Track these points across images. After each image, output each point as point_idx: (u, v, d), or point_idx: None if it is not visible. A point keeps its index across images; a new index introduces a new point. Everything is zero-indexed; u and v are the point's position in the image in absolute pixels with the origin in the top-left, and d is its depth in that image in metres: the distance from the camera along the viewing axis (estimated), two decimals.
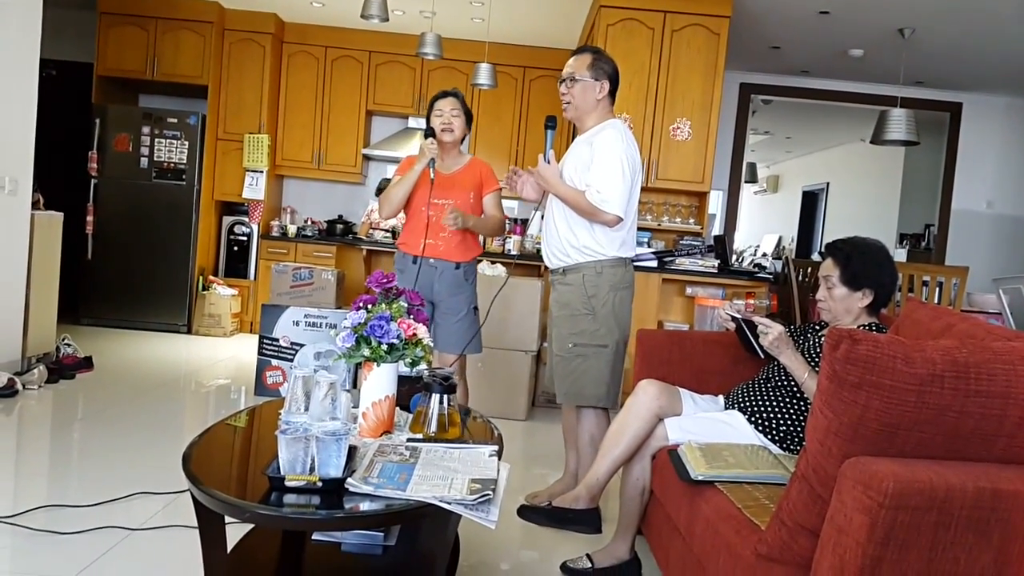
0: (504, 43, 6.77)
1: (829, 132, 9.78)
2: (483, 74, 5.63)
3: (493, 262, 4.94)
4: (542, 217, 3.20)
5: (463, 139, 3.48)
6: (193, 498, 1.73)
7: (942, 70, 6.47)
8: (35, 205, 4.69)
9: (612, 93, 3.04)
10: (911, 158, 8.62)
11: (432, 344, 3.22)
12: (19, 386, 4.15)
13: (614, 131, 2.94)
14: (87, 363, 4.80)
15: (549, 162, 2.97)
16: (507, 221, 6.59)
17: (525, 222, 6.84)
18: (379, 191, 6.85)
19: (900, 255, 8.18)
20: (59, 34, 6.15)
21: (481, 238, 4.33)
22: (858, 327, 2.37)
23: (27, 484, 3.05)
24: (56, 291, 4.93)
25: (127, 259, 6.45)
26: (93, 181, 6.41)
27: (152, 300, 6.49)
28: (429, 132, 3.34)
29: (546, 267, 3.23)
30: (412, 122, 7.16)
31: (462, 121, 3.40)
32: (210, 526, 1.81)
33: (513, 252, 6.53)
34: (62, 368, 4.58)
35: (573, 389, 3.01)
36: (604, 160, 2.88)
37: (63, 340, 4.83)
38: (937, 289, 4.74)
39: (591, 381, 2.98)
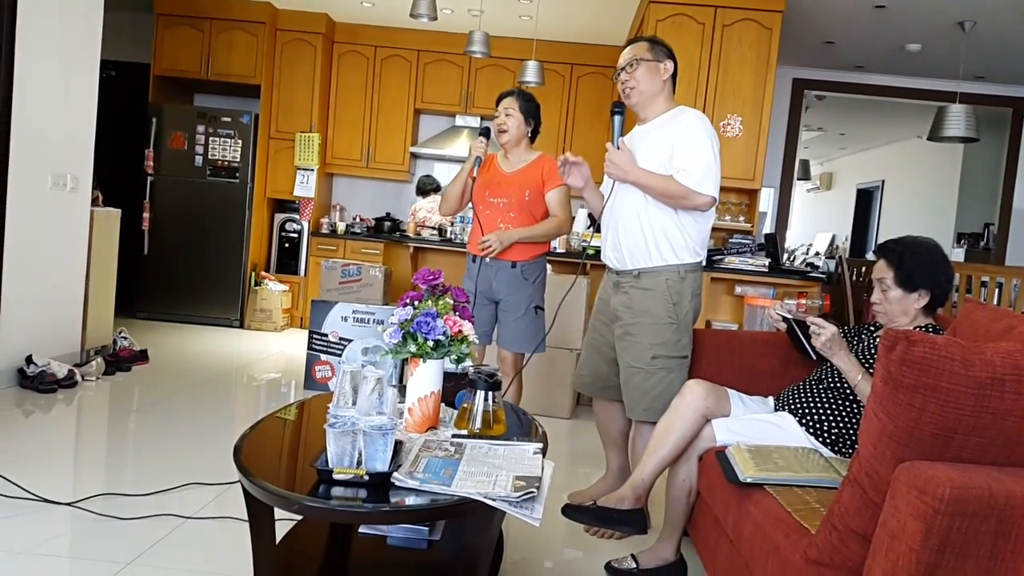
0: (552, 40, 6.76)
1: (885, 128, 9.55)
2: (530, 71, 5.63)
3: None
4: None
5: (528, 136, 3.41)
6: (243, 489, 1.76)
7: (1004, 64, 6.26)
8: (94, 202, 4.83)
9: (674, 77, 2.86)
10: (970, 155, 8.37)
11: (477, 341, 3.23)
12: (78, 377, 4.28)
13: (695, 114, 2.76)
14: (143, 356, 4.92)
15: (619, 149, 2.74)
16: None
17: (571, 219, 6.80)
18: (418, 190, 6.91)
19: (958, 255, 7.93)
20: (118, 35, 6.31)
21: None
22: (914, 328, 2.31)
23: (86, 472, 3.14)
24: (113, 286, 5.08)
25: (182, 255, 6.61)
26: (149, 179, 6.58)
27: (205, 295, 6.65)
28: (484, 131, 3.36)
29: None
30: (459, 120, 7.20)
31: (516, 120, 3.33)
32: (259, 517, 1.84)
33: (559, 249, 6.50)
34: (119, 360, 4.71)
35: (656, 405, 2.70)
36: (692, 140, 2.68)
37: (120, 333, 4.96)
38: (997, 290, 4.59)
39: (674, 396, 2.70)
